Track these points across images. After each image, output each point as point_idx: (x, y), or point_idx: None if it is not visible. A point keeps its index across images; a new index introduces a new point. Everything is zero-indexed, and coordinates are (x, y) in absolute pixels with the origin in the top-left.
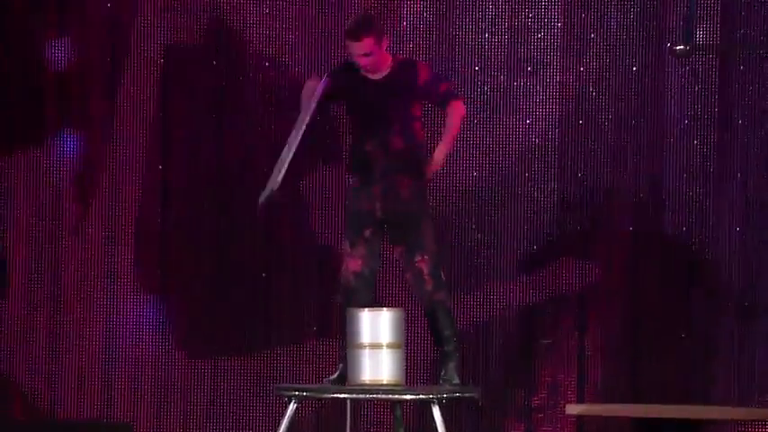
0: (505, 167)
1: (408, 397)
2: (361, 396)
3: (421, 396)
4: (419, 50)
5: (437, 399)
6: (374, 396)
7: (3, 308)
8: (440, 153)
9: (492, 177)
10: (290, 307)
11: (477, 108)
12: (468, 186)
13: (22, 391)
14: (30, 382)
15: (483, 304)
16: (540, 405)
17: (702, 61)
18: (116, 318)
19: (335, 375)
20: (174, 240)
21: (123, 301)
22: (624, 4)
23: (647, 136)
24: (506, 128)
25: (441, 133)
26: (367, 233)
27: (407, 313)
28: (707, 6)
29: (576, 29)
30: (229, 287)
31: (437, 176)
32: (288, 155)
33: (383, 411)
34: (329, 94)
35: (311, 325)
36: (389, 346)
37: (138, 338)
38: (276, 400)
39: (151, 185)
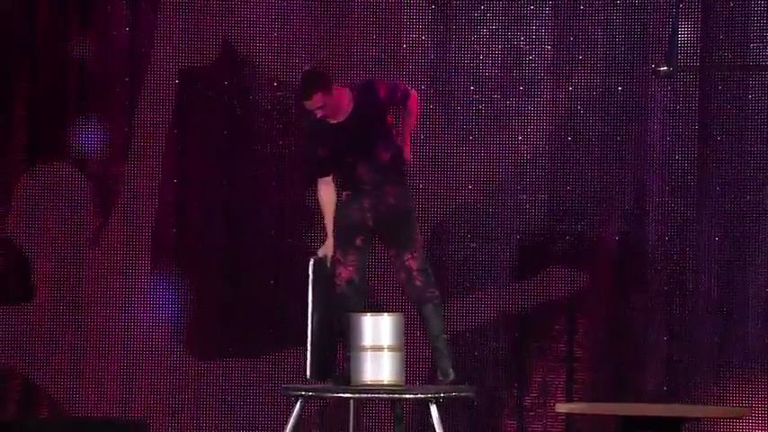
0: (498, 180)
1: (408, 396)
2: (363, 396)
3: (419, 395)
4: (418, 71)
5: (435, 398)
6: (375, 396)
7: (28, 312)
8: (406, 153)
9: (486, 189)
10: (296, 312)
11: (472, 125)
12: (464, 198)
13: (46, 391)
14: (53, 381)
15: (477, 309)
16: (531, 404)
17: (684, 81)
18: (133, 322)
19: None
20: (189, 250)
21: (140, 307)
22: (610, 29)
23: (631, 151)
24: (499, 143)
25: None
26: (358, 241)
27: (406, 317)
28: (688, 30)
29: (565, 51)
30: (240, 294)
31: (434, 188)
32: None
33: (384, 410)
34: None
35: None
36: (390, 348)
37: (154, 341)
38: (284, 399)
39: (167, 199)
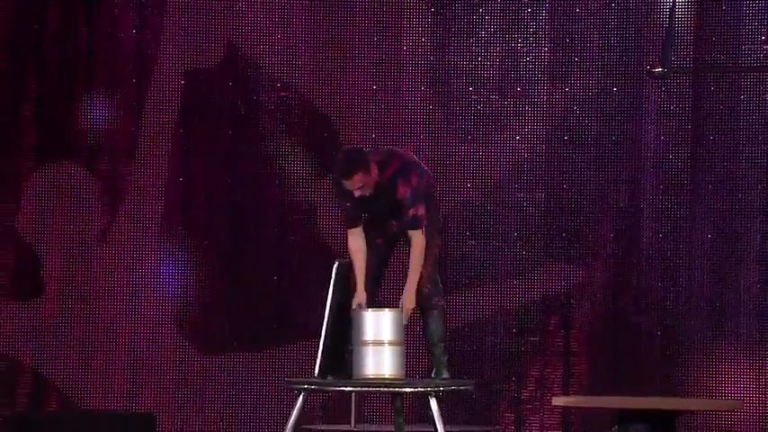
0: (497, 179)
1: (408, 390)
2: (364, 389)
3: (419, 389)
4: (418, 74)
5: (434, 391)
6: (377, 389)
7: (37, 308)
8: (408, 295)
9: (484, 188)
10: (299, 308)
11: (471, 125)
12: (463, 196)
13: (55, 384)
14: (62, 375)
15: (476, 304)
16: (528, 397)
17: (677, 82)
18: (141, 317)
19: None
20: (194, 247)
21: (147, 303)
22: (605, 31)
23: (626, 150)
24: (498, 143)
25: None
26: (379, 241)
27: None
28: (682, 32)
29: (562, 53)
30: (244, 290)
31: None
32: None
33: (385, 403)
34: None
35: (319, 324)
36: (391, 343)
37: (161, 337)
38: (287, 392)
39: (173, 197)
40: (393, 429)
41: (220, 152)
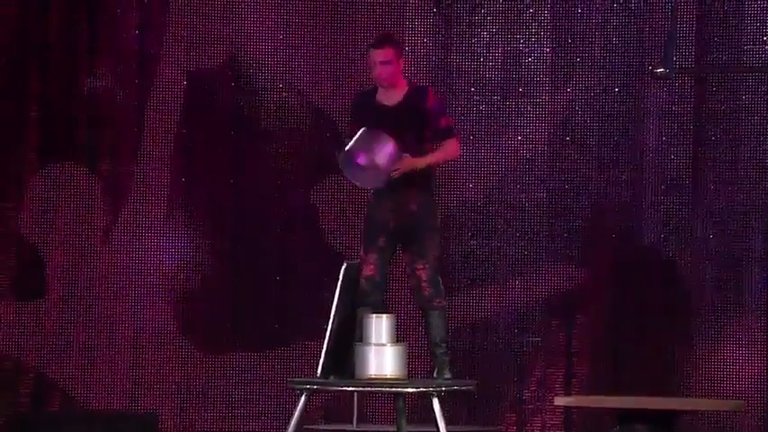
0: (499, 179)
1: (410, 390)
2: (366, 389)
3: (422, 389)
4: (420, 73)
5: (436, 391)
6: (378, 389)
7: (40, 308)
8: (413, 161)
9: (486, 188)
10: (301, 308)
11: (473, 125)
12: (465, 196)
13: (58, 384)
14: (65, 375)
15: (478, 305)
16: (530, 397)
17: (679, 83)
18: (143, 318)
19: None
20: (197, 247)
21: (150, 303)
22: (607, 31)
23: (628, 151)
24: (500, 143)
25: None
26: (381, 242)
27: (411, 313)
28: (684, 33)
29: (564, 53)
30: (247, 290)
31: (436, 188)
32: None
33: (387, 403)
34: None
35: (321, 324)
36: (393, 343)
37: (164, 337)
38: (289, 392)
39: (175, 197)
40: (395, 429)
41: (222, 152)
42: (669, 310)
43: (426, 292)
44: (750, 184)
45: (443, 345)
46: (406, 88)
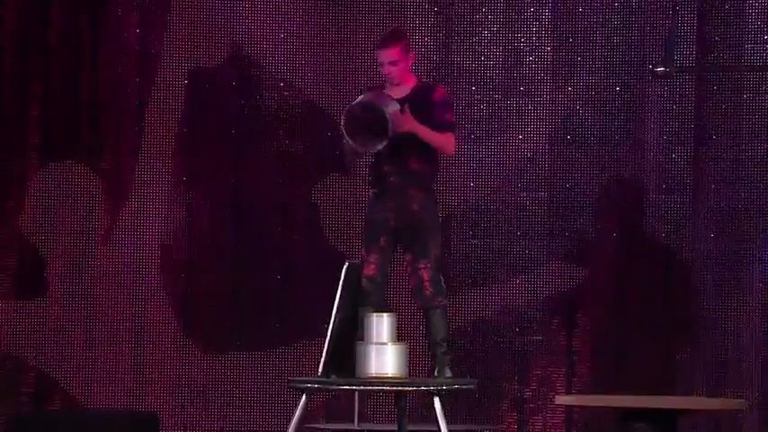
0: (500, 178)
1: (411, 389)
2: (367, 388)
3: (423, 388)
4: (421, 73)
5: (437, 390)
6: (379, 388)
7: (41, 307)
8: (413, 124)
9: (487, 187)
10: (302, 307)
11: (474, 125)
12: (466, 196)
13: (59, 383)
14: (65, 374)
15: (479, 304)
16: (531, 396)
17: (680, 82)
18: (144, 317)
19: None
20: (197, 246)
21: (150, 302)
22: (608, 30)
23: (629, 150)
24: (501, 142)
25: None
26: (381, 241)
27: (412, 312)
28: (685, 32)
29: (565, 52)
30: (247, 289)
31: (437, 186)
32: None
33: (388, 402)
34: None
35: (322, 323)
36: (394, 342)
37: (164, 336)
38: (290, 391)
39: (176, 196)
40: (396, 429)
41: (224, 151)
42: (670, 309)
43: (428, 292)
44: (751, 183)
45: (444, 344)
46: (415, 83)
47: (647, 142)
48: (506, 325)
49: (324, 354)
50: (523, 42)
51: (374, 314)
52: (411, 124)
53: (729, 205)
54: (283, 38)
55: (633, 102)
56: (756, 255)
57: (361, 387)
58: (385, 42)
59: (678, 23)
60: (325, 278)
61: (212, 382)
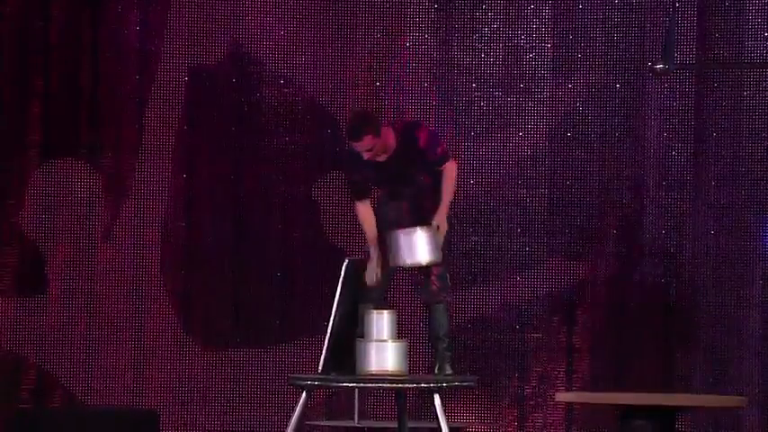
0: (500, 175)
1: (411, 386)
2: (367, 385)
3: (423, 385)
4: (421, 70)
5: (438, 387)
6: (380, 385)
7: (41, 304)
8: (440, 217)
9: (488, 184)
10: (302, 304)
11: (474, 122)
12: (467, 193)
13: (59, 381)
14: (66, 371)
15: (480, 301)
16: (531, 393)
17: (680, 79)
18: (144, 314)
19: None
20: (197, 244)
21: (151, 299)
22: (608, 27)
23: (629, 147)
24: (501, 140)
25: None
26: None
27: (412, 309)
28: (684, 29)
29: (565, 49)
30: (247, 286)
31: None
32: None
33: (388, 399)
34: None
35: (322, 321)
36: (394, 339)
37: (165, 333)
38: (290, 389)
39: (176, 193)
40: (396, 425)
41: (224, 149)
42: (670, 306)
43: (434, 287)
44: (751, 180)
45: (446, 340)
46: (394, 137)
47: (647, 139)
48: (506, 322)
49: (324, 351)
50: (523, 39)
51: (374, 311)
52: (444, 222)
53: (729, 202)
54: (283, 35)
55: (633, 99)
56: (756, 252)
57: (362, 384)
58: (354, 135)
59: (678, 20)
60: (325, 275)
61: (212, 379)
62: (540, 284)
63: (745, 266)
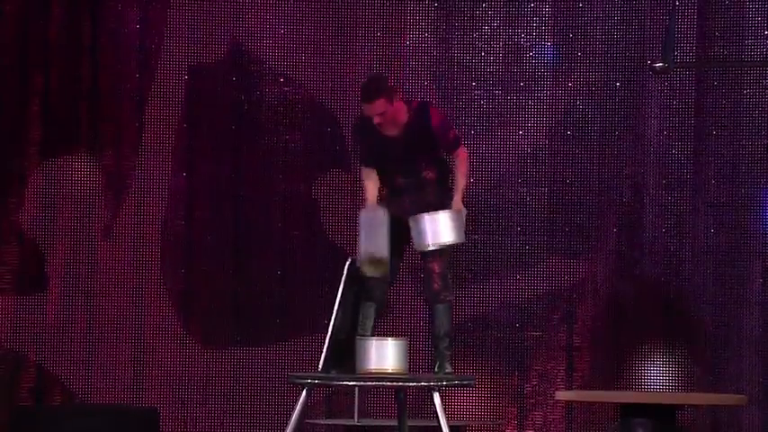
0: (500, 174)
1: (411, 384)
2: (367, 383)
3: (423, 384)
4: (421, 69)
5: (437, 386)
6: (380, 383)
7: (41, 302)
8: (458, 202)
9: (487, 183)
10: (302, 302)
11: (474, 120)
12: (467, 191)
13: (59, 378)
14: (65, 369)
15: (480, 299)
16: (531, 392)
17: (680, 77)
18: (144, 312)
19: None
20: (197, 241)
21: (151, 297)
22: (608, 26)
23: (629, 145)
24: (501, 138)
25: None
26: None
27: (413, 308)
28: (684, 27)
29: (565, 48)
30: (247, 284)
31: None
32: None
33: (388, 397)
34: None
35: (322, 319)
36: (394, 337)
37: (165, 331)
38: (290, 387)
39: (176, 191)
40: (396, 424)
41: (224, 147)
42: (670, 305)
43: (436, 285)
44: (751, 178)
45: (447, 338)
46: (407, 111)
47: (647, 138)
48: (506, 320)
49: (324, 349)
50: (523, 38)
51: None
52: (460, 205)
53: (729, 201)
54: (283, 33)
55: (633, 97)
56: (756, 250)
57: (362, 382)
58: (367, 97)
59: (678, 19)
60: (326, 274)
61: (212, 377)
62: (540, 283)
63: (745, 265)
